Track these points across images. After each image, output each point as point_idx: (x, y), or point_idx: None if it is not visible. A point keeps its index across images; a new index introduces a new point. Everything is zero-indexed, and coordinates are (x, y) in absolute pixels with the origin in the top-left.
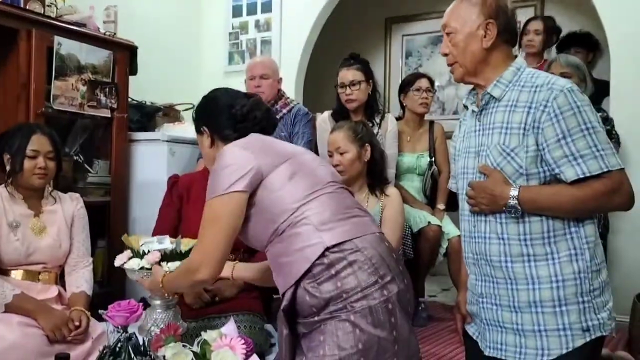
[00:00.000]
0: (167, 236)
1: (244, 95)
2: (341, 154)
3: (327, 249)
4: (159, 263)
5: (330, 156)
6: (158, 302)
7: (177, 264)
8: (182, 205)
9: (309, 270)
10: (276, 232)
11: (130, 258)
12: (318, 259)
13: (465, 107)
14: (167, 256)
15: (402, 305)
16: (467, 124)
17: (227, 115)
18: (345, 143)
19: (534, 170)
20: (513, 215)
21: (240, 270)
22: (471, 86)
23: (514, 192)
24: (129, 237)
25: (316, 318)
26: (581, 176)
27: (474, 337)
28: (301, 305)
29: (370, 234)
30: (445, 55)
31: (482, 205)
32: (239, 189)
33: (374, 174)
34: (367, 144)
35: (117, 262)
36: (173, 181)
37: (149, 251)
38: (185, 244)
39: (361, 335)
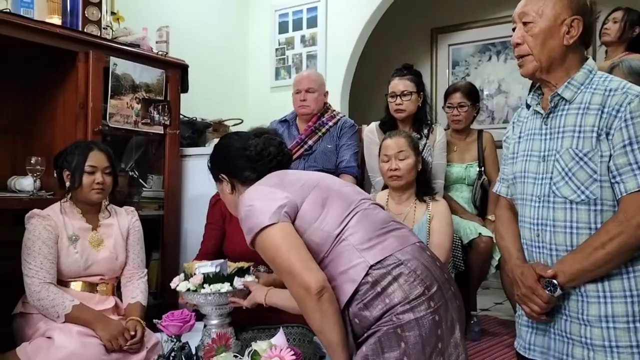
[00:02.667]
0: (224, 260)
1: (254, 135)
2: (401, 159)
3: (371, 267)
4: (202, 286)
5: (386, 161)
6: (214, 322)
7: (218, 285)
8: (225, 223)
9: (355, 292)
10: (322, 262)
11: (181, 281)
12: (363, 278)
13: (528, 106)
14: (209, 279)
15: (450, 315)
16: (527, 125)
17: (243, 157)
18: (406, 148)
19: (607, 176)
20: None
21: (272, 297)
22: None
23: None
24: (188, 264)
25: (365, 335)
26: None
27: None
28: (353, 327)
29: (411, 245)
30: (518, 45)
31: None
32: (280, 219)
33: (422, 184)
34: (420, 154)
35: (172, 284)
36: (214, 201)
37: (195, 274)
38: (231, 266)
39: (407, 348)
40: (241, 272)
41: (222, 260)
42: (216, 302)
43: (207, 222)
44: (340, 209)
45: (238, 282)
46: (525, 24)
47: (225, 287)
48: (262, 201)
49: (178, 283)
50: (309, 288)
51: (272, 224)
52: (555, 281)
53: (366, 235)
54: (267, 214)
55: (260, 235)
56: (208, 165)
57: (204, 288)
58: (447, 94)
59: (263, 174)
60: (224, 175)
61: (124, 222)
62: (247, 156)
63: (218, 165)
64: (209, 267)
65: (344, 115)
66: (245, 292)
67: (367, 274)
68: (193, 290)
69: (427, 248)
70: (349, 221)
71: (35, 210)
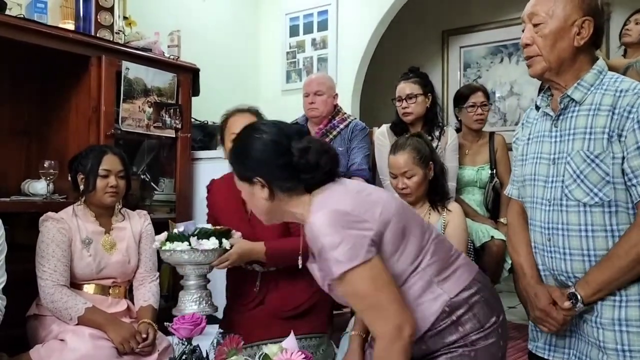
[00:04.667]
0: (192, 222)
1: (296, 135)
2: (408, 177)
3: (450, 299)
4: (164, 242)
5: (394, 178)
6: (192, 282)
7: (178, 244)
8: (216, 211)
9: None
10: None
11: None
12: (442, 310)
13: (537, 107)
14: (170, 237)
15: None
16: (537, 126)
17: (285, 165)
18: (411, 166)
19: (620, 179)
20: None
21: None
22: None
23: (572, 294)
24: (173, 223)
25: (436, 354)
26: None
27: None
28: (422, 352)
29: (477, 272)
30: (527, 46)
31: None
32: (373, 256)
33: (436, 190)
34: (430, 162)
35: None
36: (208, 188)
37: (181, 233)
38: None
39: None
40: (219, 235)
41: (191, 222)
42: (176, 260)
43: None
44: (418, 239)
45: (209, 244)
46: (535, 24)
47: (188, 245)
48: (349, 233)
49: (157, 242)
50: (402, 329)
51: (370, 259)
52: (578, 295)
53: (441, 265)
54: (359, 250)
55: (350, 273)
56: (231, 161)
57: (166, 245)
58: (467, 94)
59: (312, 185)
60: (260, 179)
61: (136, 225)
62: (292, 164)
63: (249, 166)
64: (182, 226)
65: (355, 118)
66: (219, 253)
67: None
68: (161, 247)
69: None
70: (426, 252)
71: (50, 214)
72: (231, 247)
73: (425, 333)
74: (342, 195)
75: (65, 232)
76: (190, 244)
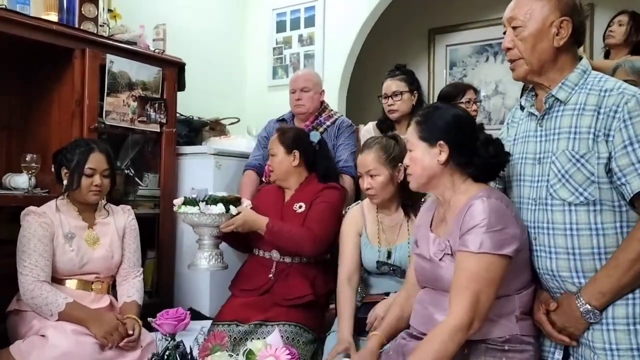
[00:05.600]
0: (205, 188)
1: (480, 126)
2: (372, 176)
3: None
4: (180, 206)
5: (360, 177)
6: (206, 242)
7: (190, 208)
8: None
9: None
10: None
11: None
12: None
13: (522, 107)
14: (186, 201)
15: None
16: (522, 126)
17: (471, 142)
18: (376, 165)
19: (605, 178)
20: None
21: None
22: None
23: (588, 310)
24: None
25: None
26: None
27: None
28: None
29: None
30: (508, 50)
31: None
32: (510, 255)
33: (408, 194)
34: (400, 164)
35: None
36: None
37: (194, 198)
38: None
39: None
40: (227, 202)
41: (204, 188)
42: (189, 220)
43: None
44: (528, 277)
45: (216, 209)
46: (514, 28)
47: (200, 209)
48: (506, 227)
49: (175, 205)
50: (472, 324)
51: (504, 258)
52: (593, 309)
53: (527, 308)
54: (507, 245)
55: (486, 256)
56: (418, 120)
57: (182, 207)
58: (457, 93)
59: (475, 175)
60: (445, 144)
61: (120, 220)
62: (474, 147)
63: (443, 129)
64: (196, 191)
65: (342, 115)
66: (226, 217)
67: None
68: (178, 209)
69: None
70: (529, 292)
71: (31, 208)
72: (238, 214)
73: (480, 343)
74: (499, 196)
75: (47, 227)
76: (200, 208)
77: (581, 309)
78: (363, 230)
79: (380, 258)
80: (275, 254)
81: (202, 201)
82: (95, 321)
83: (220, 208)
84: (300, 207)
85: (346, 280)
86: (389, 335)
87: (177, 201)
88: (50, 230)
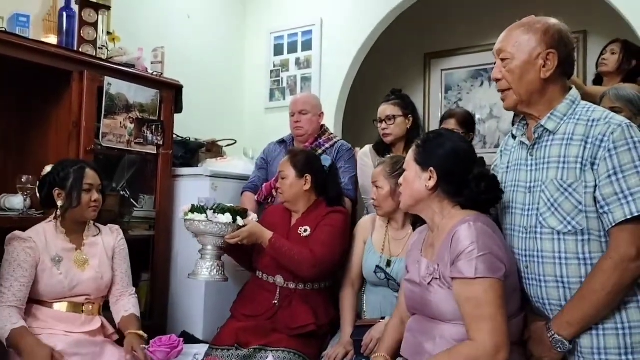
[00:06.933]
0: (211, 198)
1: (479, 160)
2: (377, 187)
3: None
4: (186, 213)
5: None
6: (208, 251)
7: (197, 215)
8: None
9: None
10: None
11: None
12: None
13: (514, 136)
14: (193, 208)
15: None
16: (514, 155)
17: (462, 174)
18: (381, 179)
19: (593, 207)
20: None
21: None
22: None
23: (557, 340)
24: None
25: None
26: (629, 217)
27: None
28: None
29: None
30: (498, 80)
31: None
32: (502, 278)
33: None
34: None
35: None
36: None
37: (202, 206)
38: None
39: None
40: (235, 212)
41: (211, 197)
42: (195, 228)
43: None
44: (518, 304)
45: (223, 218)
46: (502, 60)
47: (206, 217)
48: (492, 251)
49: (181, 212)
50: (500, 351)
51: (500, 280)
52: (562, 339)
53: (519, 338)
54: (498, 268)
55: (482, 280)
56: (418, 143)
57: (189, 214)
58: (443, 119)
59: (463, 204)
60: (435, 170)
61: (109, 240)
62: (466, 179)
63: (436, 155)
64: (203, 200)
65: (341, 139)
66: (232, 228)
67: None
68: (185, 216)
69: None
70: (517, 317)
71: (16, 233)
72: (244, 226)
73: None
74: (486, 221)
75: (31, 252)
76: (207, 216)
77: (551, 339)
78: (369, 237)
79: (380, 264)
80: (279, 279)
81: (210, 209)
82: (29, 355)
83: (227, 218)
84: (305, 230)
85: (350, 284)
86: (391, 353)
87: (185, 207)
88: (34, 256)
